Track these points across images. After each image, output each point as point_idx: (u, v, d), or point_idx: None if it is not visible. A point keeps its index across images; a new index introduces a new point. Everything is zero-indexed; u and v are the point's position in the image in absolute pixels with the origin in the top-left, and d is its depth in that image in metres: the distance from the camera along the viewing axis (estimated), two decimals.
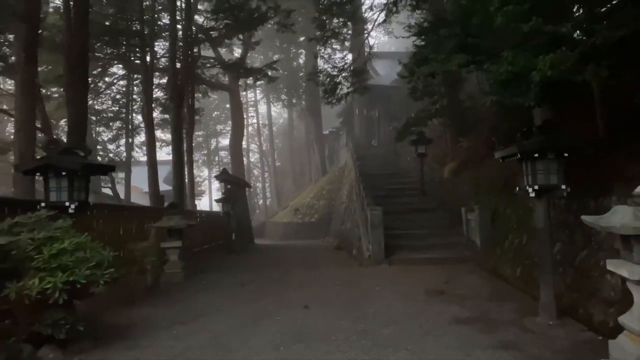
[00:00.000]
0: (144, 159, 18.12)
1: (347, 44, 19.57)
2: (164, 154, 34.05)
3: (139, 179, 29.79)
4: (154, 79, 18.34)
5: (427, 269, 8.13)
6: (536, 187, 4.80)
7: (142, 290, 7.03)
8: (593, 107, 6.18)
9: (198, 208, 31.10)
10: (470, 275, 7.58)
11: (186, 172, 16.81)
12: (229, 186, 16.04)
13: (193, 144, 39.76)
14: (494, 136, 10.14)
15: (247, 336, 4.93)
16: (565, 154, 4.74)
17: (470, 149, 11.76)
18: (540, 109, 7.47)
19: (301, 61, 29.86)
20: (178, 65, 13.45)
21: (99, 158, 21.53)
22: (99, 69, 18.05)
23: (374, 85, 27.54)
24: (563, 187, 4.80)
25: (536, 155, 4.76)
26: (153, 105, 20.06)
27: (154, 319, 5.69)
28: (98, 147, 21.80)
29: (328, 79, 13.38)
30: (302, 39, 25.83)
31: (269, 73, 16.65)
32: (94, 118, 21.30)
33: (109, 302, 6.39)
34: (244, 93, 37.20)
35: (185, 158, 16.80)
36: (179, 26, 13.34)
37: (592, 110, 6.22)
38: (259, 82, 28.45)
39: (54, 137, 10.08)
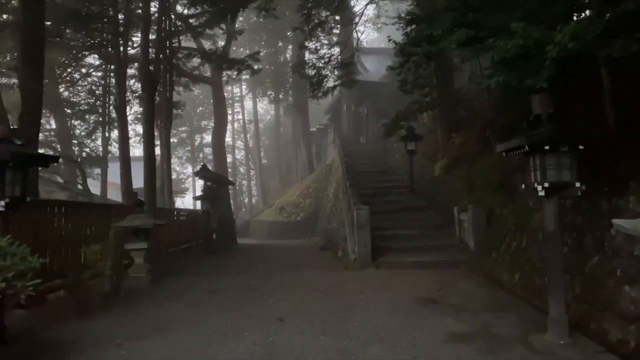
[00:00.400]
0: None
1: (334, 38, 18.86)
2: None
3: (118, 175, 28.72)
4: (132, 70, 17.45)
5: (418, 273, 7.48)
6: (546, 185, 4.14)
7: (99, 297, 6.25)
8: (600, 97, 5.58)
9: (183, 206, 30.35)
10: (464, 281, 6.94)
11: (164, 168, 15.96)
12: (209, 183, 15.23)
13: (176, 140, 38.73)
14: (488, 131, 9.54)
15: (208, 358, 4.20)
16: (580, 147, 4.09)
17: (463, 145, 11.15)
18: (541, 99, 6.87)
19: (288, 56, 29.06)
20: (153, 54, 12.60)
21: (75, 152, 20.52)
22: (73, 59, 17.05)
23: (363, 81, 26.89)
24: (577, 184, 4.15)
25: (546, 147, 4.10)
26: (131, 98, 19.16)
27: (105, 333, 4.91)
28: (74, 141, 20.78)
29: (314, 71, 12.63)
30: (289, 33, 25.09)
31: (253, 65, 15.84)
32: (69, 111, 20.29)
33: (59, 312, 5.62)
34: (229, 88, 36.32)
35: (161, 153, 15.98)
36: (153, 9, 12.50)
37: (599, 101, 5.61)
38: (244, 77, 27.61)
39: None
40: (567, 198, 5.09)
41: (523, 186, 4.93)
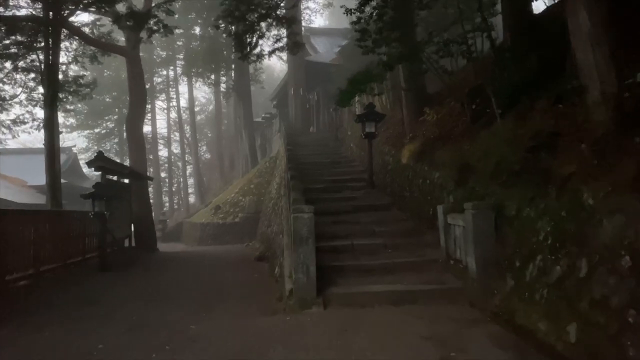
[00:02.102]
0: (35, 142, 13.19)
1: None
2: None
3: (22, 168, 24.01)
4: None
5: (392, 318, 4.52)
6: None
7: None
8: None
9: None
10: (474, 335, 4.04)
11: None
12: (109, 176, 11.62)
13: (104, 131, 33.91)
14: (480, 98, 6.80)
15: None
16: None
17: (442, 122, 8.37)
18: (592, 33, 4.19)
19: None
20: None
21: None
22: None
23: (313, 61, 23.97)
24: None
25: None
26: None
27: None
28: None
29: (242, 25, 9.33)
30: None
31: (169, 26, 12.32)
32: None
33: None
34: (164, 72, 32.14)
35: (45, 137, 12.20)
36: None
37: None
38: (178, 56, 23.82)
39: None
40: None
41: None
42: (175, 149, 38.11)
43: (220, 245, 17.46)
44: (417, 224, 7.79)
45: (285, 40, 10.57)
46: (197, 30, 26.80)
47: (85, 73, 16.42)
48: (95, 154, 11.42)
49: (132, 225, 14.85)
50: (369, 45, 8.08)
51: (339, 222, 8.19)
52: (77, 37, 14.56)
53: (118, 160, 34.00)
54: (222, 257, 13.19)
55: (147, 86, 32.42)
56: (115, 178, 13.50)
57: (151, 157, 33.44)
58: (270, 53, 11.13)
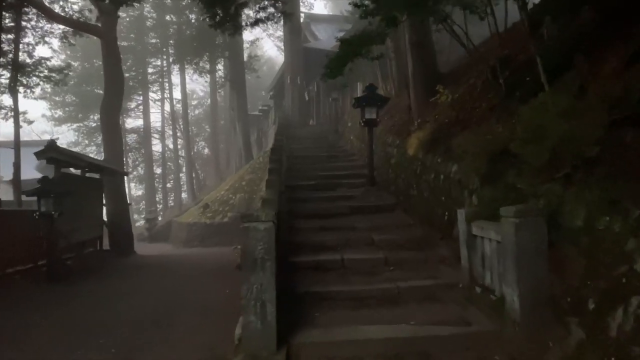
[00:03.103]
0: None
1: None
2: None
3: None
4: None
5: None
6: None
7: None
8: None
9: None
10: None
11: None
12: (64, 169, 10.00)
13: (93, 124, 32.38)
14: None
15: None
16: None
17: (460, 103, 6.68)
18: None
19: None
20: None
21: None
22: None
23: (311, 48, 22.25)
24: None
25: None
26: None
27: None
28: None
29: None
30: None
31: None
32: None
33: None
34: (157, 62, 30.54)
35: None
36: None
37: None
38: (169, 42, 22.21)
39: None
40: None
41: None
42: (172, 143, 36.52)
43: (206, 248, 15.82)
44: (427, 232, 6.11)
45: (271, 9, 8.85)
46: (192, 17, 25.11)
47: (62, 56, 14.78)
48: (88, 147, 9.87)
49: (104, 226, 13.25)
50: (368, 5, 6.36)
51: (329, 228, 6.52)
52: (43, 15, 12.97)
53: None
54: (201, 263, 11.56)
55: (139, 78, 31.06)
56: (85, 173, 11.91)
57: (143, 151, 31.90)
58: (253, 24, 9.43)
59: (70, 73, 16.33)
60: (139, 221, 31.04)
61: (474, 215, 4.30)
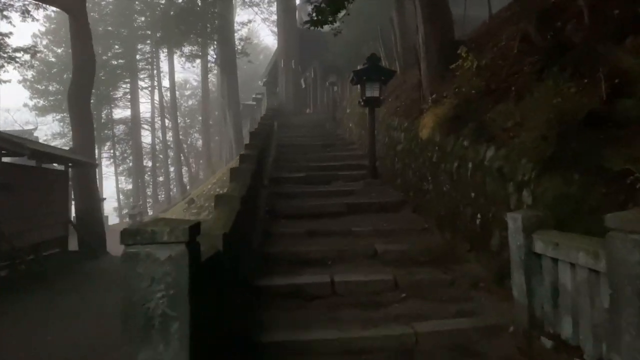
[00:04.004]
0: None
1: None
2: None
3: None
4: None
5: None
6: None
7: None
8: None
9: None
10: None
11: None
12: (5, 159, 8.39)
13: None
14: None
15: None
16: None
17: (490, 68, 5.11)
18: None
19: None
20: None
21: None
22: None
23: (308, 30, 20.56)
24: None
25: None
26: None
27: None
28: None
29: None
30: None
31: None
32: None
33: None
34: (144, 48, 28.82)
35: None
36: None
37: None
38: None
39: None
40: None
41: None
42: (162, 135, 34.84)
43: None
44: (449, 239, 4.56)
45: None
46: None
47: (44, 41, 13.18)
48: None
49: (71, 224, 11.71)
50: None
51: (319, 234, 4.97)
52: None
53: (96, 149, 30.78)
54: None
55: (128, 65, 29.26)
56: (42, 163, 10.34)
57: (130, 143, 30.29)
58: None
59: (39, 54, 14.69)
60: (126, 217, 29.49)
61: (537, 221, 2.73)
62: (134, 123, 29.74)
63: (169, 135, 31.65)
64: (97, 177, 31.46)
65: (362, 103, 7.29)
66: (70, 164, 12.21)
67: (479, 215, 4.01)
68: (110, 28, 26.82)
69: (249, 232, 4.32)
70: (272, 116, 12.58)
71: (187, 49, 21.70)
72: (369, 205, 6.08)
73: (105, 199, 24.49)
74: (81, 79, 12.85)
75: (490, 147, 4.01)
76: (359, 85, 7.67)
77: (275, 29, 25.20)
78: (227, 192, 3.61)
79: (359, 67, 7.38)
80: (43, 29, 27.82)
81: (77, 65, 12.90)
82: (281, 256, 4.26)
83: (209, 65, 23.78)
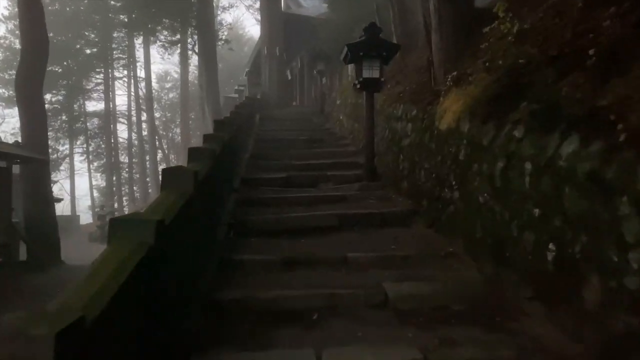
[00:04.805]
0: None
1: None
2: None
3: None
4: None
5: None
6: None
7: None
8: None
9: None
10: None
11: None
12: None
13: (52, 107, 28.73)
14: None
15: None
16: None
17: (538, 34, 3.64)
18: None
19: None
20: None
21: None
22: None
23: (293, 15, 18.96)
24: None
25: None
26: None
27: None
28: None
29: None
30: None
31: None
32: None
33: None
34: (116, 35, 26.87)
35: None
36: None
37: None
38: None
39: None
40: None
41: None
42: (143, 130, 32.91)
43: None
44: (491, 273, 3.10)
45: None
46: None
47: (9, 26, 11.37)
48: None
49: (16, 230, 10.04)
50: None
51: (300, 264, 3.47)
52: None
53: (67, 144, 28.80)
54: None
55: (101, 53, 27.20)
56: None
57: (104, 137, 28.36)
58: None
59: (1, 40, 12.85)
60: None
61: None
62: (108, 116, 27.81)
63: (148, 130, 29.77)
64: (70, 173, 29.43)
65: (359, 86, 5.79)
66: (17, 160, 10.57)
67: (551, 247, 2.55)
68: (82, 17, 24.88)
69: (194, 270, 2.80)
70: (250, 105, 11.00)
71: (163, 36, 19.94)
72: (367, 217, 4.60)
73: (62, 199, 22.83)
74: (31, 62, 11.13)
75: (569, 139, 2.54)
76: (351, 66, 6.22)
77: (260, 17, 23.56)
78: (130, 216, 2.08)
79: (351, 43, 5.86)
80: (7, 12, 25.73)
81: (26, 47, 11.16)
82: (242, 307, 2.76)
83: (189, 54, 22.03)
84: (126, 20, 19.25)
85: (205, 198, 3.32)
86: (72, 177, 29.32)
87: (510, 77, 3.57)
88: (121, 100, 31.22)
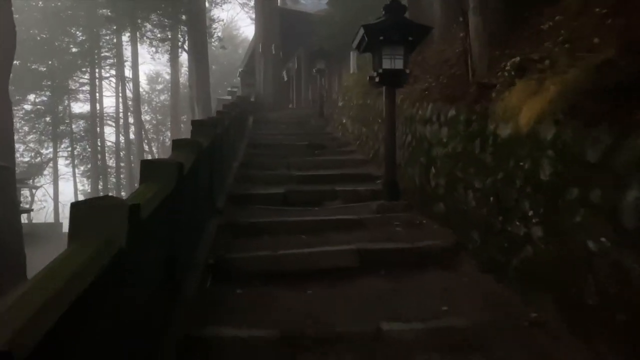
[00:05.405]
0: None
1: None
2: None
3: None
4: None
5: None
6: None
7: None
8: None
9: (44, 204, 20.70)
10: None
11: None
12: None
13: (36, 108, 27.30)
14: None
15: None
16: None
17: None
18: None
19: None
20: None
21: None
22: None
23: (291, 11, 17.77)
24: None
25: None
26: None
27: None
28: None
29: None
30: None
31: None
32: None
33: None
34: (108, 34, 25.54)
35: None
36: None
37: None
38: None
39: None
40: None
41: None
42: (132, 133, 31.48)
43: None
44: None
45: None
46: None
47: None
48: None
49: None
50: None
51: (308, 347, 2.19)
52: None
53: (51, 147, 27.31)
54: None
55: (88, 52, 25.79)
56: None
57: (90, 141, 26.92)
58: None
59: None
60: None
61: None
62: (95, 118, 26.40)
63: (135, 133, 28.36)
64: (55, 178, 27.94)
65: (377, 79, 4.56)
66: None
67: None
68: (70, 12, 23.52)
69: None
70: (242, 105, 9.75)
71: (152, 33, 18.64)
72: (397, 253, 3.38)
73: (32, 209, 21.86)
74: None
75: None
76: (354, 64, 5.02)
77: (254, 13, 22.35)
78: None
79: (367, 24, 4.63)
80: None
81: None
82: None
83: (179, 52, 20.72)
84: (109, 13, 17.88)
85: (157, 244, 2.07)
86: (56, 182, 27.82)
87: (625, 58, 2.36)
88: (109, 101, 29.82)
